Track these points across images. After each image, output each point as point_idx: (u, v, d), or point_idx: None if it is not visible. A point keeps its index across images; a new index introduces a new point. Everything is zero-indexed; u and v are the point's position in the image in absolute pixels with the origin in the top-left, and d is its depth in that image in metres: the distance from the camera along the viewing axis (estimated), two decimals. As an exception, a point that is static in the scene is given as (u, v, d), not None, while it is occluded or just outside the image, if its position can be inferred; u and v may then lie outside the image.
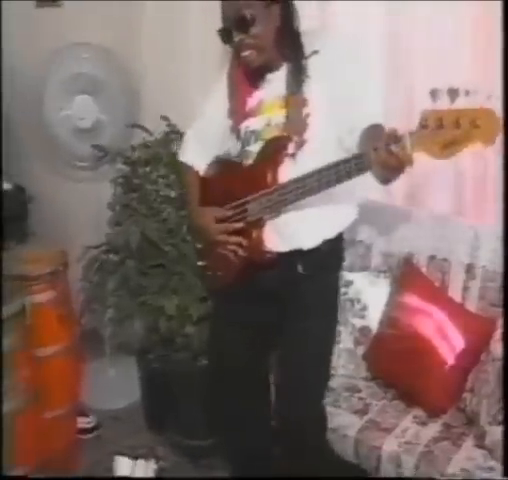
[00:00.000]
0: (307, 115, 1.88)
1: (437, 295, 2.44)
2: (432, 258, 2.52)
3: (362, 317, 2.51)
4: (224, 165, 2.10)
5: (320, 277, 2.03)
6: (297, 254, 1.96)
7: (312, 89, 1.88)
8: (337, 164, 1.71)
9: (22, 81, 3.18)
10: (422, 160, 1.57)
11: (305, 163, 1.83)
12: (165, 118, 2.51)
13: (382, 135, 1.60)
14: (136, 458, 2.30)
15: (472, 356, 2.29)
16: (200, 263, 2.15)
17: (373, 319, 2.50)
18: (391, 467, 2.12)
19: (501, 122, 1.47)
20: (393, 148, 1.55)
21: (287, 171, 1.87)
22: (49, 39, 3.15)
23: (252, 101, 1.98)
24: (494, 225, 2.36)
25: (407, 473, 2.09)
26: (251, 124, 1.97)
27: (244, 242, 1.95)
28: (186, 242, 2.41)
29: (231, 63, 2.03)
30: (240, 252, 1.96)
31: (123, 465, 2.25)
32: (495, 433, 2.07)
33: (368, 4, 2.56)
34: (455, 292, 2.45)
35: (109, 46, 3.08)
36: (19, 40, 3.28)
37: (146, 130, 2.46)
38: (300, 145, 1.88)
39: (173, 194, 2.47)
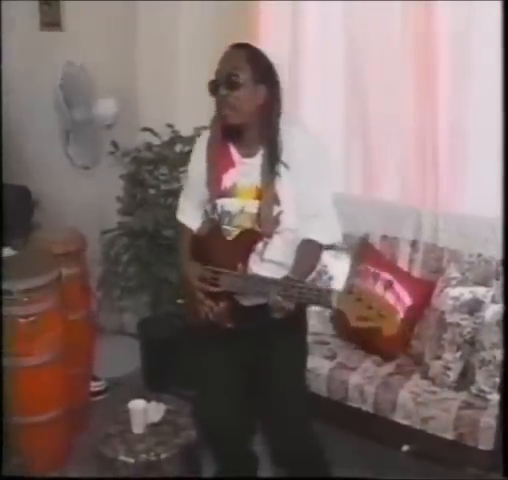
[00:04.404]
0: (280, 212, 2.06)
1: (388, 266, 3.02)
2: (384, 237, 3.10)
3: (328, 285, 3.04)
4: (211, 228, 2.19)
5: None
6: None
7: (283, 184, 2.05)
8: (300, 287, 1.92)
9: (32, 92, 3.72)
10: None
11: (272, 255, 2.08)
12: (170, 125, 3.05)
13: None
14: (148, 401, 2.75)
15: (417, 311, 2.86)
16: (180, 301, 2.40)
17: (338, 286, 3.05)
18: (356, 394, 2.69)
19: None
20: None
21: (255, 259, 2.07)
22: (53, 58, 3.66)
23: (227, 180, 2.11)
24: (432, 207, 2.98)
25: (369, 398, 2.66)
26: (226, 204, 2.11)
27: (215, 308, 2.08)
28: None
29: (212, 132, 2.16)
30: (211, 316, 2.09)
31: (137, 406, 2.59)
32: (436, 366, 2.66)
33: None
34: (403, 263, 3.04)
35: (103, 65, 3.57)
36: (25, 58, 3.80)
37: (155, 133, 3.00)
38: (265, 244, 2.07)
39: (174, 187, 3.01)
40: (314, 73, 3.26)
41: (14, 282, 2.55)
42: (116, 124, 3.45)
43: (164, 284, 2.93)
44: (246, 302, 2.07)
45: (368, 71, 3.11)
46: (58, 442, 2.82)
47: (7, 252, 2.97)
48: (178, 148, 3.08)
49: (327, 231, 2.13)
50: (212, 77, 2.02)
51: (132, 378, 3.46)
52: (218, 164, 2.12)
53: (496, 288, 2.70)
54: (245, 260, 2.06)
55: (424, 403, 2.56)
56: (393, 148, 3.10)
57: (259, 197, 2.07)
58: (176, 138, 3.07)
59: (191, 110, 3.22)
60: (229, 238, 2.12)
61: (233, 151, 2.12)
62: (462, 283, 2.75)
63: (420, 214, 3.00)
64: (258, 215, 2.06)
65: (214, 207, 2.13)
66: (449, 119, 2.92)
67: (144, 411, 2.61)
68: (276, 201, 2.05)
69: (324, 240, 2.13)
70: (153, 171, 3.06)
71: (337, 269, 3.06)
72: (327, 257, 3.09)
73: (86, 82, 3.32)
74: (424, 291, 2.88)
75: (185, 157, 3.01)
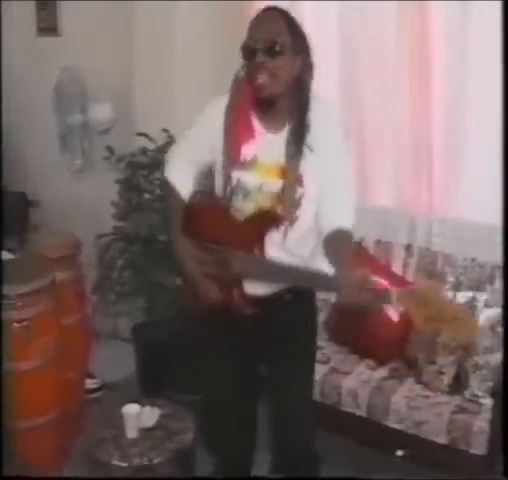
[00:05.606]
0: (302, 195, 1.91)
1: (383, 270, 3.03)
2: (378, 242, 3.11)
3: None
4: (209, 203, 2.05)
5: (304, 299, 2.10)
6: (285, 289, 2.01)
7: (308, 165, 1.91)
8: (311, 272, 1.87)
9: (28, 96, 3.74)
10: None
11: (290, 240, 1.93)
12: (165, 130, 3.06)
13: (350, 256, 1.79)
14: (143, 406, 2.76)
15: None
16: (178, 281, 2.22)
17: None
18: (350, 399, 2.69)
19: None
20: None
21: (271, 245, 1.92)
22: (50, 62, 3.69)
23: (247, 151, 1.94)
24: (426, 211, 2.99)
25: (362, 403, 2.66)
26: (242, 177, 1.94)
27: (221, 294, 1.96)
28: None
29: (232, 97, 1.98)
30: (217, 296, 1.97)
31: (131, 410, 2.57)
32: (430, 371, 2.67)
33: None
34: (397, 267, 3.05)
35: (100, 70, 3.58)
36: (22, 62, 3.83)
37: (150, 138, 3.01)
38: (286, 229, 1.92)
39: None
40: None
41: (8, 286, 2.55)
42: (112, 129, 3.47)
43: (159, 289, 2.94)
44: (252, 290, 1.94)
45: (363, 72, 3.13)
46: (52, 446, 2.82)
47: (5, 255, 2.97)
48: (173, 153, 3.08)
49: (349, 214, 1.93)
50: (247, 41, 1.87)
51: (126, 383, 3.46)
52: (238, 133, 1.94)
53: (490, 293, 2.71)
54: (261, 244, 1.91)
55: (417, 407, 2.57)
56: (387, 151, 3.11)
57: (282, 176, 1.91)
58: (171, 143, 3.06)
59: (187, 115, 3.23)
60: (240, 216, 1.95)
61: (255, 122, 1.95)
62: (456, 287, 2.76)
63: (414, 218, 3.02)
64: (278, 196, 1.91)
65: (228, 179, 1.94)
66: (444, 121, 2.93)
67: (138, 416, 2.60)
68: (300, 182, 1.91)
69: (349, 224, 1.91)
70: (148, 176, 3.08)
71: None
72: (320, 262, 3.10)
73: (81, 87, 3.34)
74: (418, 296, 2.88)
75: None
